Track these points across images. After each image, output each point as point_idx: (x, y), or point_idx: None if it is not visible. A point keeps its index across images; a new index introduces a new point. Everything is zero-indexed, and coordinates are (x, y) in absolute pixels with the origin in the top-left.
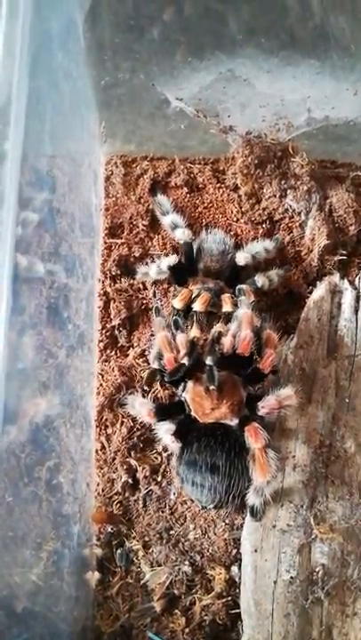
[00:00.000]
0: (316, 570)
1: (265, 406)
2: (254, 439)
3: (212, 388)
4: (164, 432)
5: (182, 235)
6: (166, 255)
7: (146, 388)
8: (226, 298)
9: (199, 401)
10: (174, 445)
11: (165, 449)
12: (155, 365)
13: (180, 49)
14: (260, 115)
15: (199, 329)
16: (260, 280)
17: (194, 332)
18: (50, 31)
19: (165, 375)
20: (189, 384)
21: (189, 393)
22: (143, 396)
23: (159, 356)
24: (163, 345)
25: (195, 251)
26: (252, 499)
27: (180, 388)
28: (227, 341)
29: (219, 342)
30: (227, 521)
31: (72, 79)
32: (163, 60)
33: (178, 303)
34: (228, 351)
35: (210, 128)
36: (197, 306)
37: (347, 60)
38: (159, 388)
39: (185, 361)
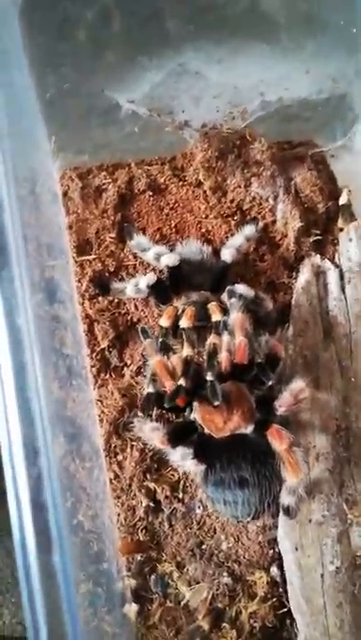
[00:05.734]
0: (358, 554)
1: (282, 405)
2: (279, 441)
3: (216, 403)
4: (181, 458)
5: (169, 259)
6: (143, 266)
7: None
8: (213, 307)
9: (210, 418)
10: (197, 468)
11: None
12: (150, 389)
13: (126, 50)
14: (214, 105)
15: (191, 346)
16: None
17: (186, 350)
18: None
19: (165, 401)
20: (195, 404)
21: (198, 412)
22: (149, 416)
23: (153, 379)
24: (160, 372)
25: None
26: (286, 499)
27: (187, 410)
28: (223, 357)
29: (216, 355)
30: (258, 524)
31: (18, 98)
32: (109, 64)
33: (165, 321)
34: (227, 368)
35: (165, 126)
36: (184, 322)
37: (296, 40)
38: None
39: (182, 382)
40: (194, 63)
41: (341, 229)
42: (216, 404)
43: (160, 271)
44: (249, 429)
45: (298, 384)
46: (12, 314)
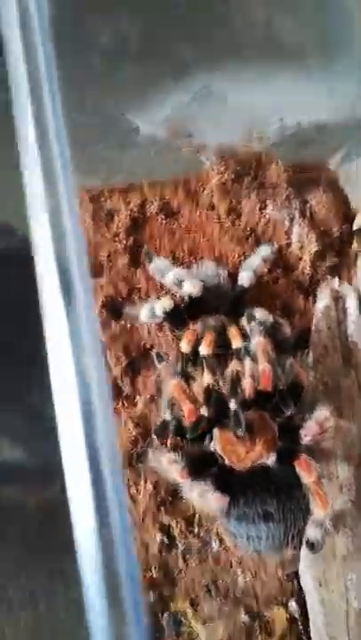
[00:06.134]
0: None
1: (307, 434)
2: (307, 473)
3: (240, 433)
4: (199, 495)
5: (192, 288)
6: (155, 290)
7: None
8: (233, 331)
9: (231, 448)
10: (220, 505)
11: None
12: (166, 417)
13: (146, 73)
14: (233, 128)
15: (211, 374)
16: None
17: (206, 379)
18: None
19: (188, 432)
20: (216, 432)
21: (219, 442)
22: (164, 444)
23: (171, 406)
24: (179, 395)
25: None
26: (313, 533)
27: (207, 439)
28: (247, 384)
29: (239, 382)
30: (279, 557)
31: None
32: (133, 87)
33: (186, 346)
34: (251, 395)
35: (181, 148)
36: (203, 349)
37: (322, 61)
38: None
39: (204, 412)
40: (219, 85)
41: (357, 253)
42: (240, 433)
43: (173, 295)
44: (271, 459)
45: (322, 412)
46: (78, 353)
